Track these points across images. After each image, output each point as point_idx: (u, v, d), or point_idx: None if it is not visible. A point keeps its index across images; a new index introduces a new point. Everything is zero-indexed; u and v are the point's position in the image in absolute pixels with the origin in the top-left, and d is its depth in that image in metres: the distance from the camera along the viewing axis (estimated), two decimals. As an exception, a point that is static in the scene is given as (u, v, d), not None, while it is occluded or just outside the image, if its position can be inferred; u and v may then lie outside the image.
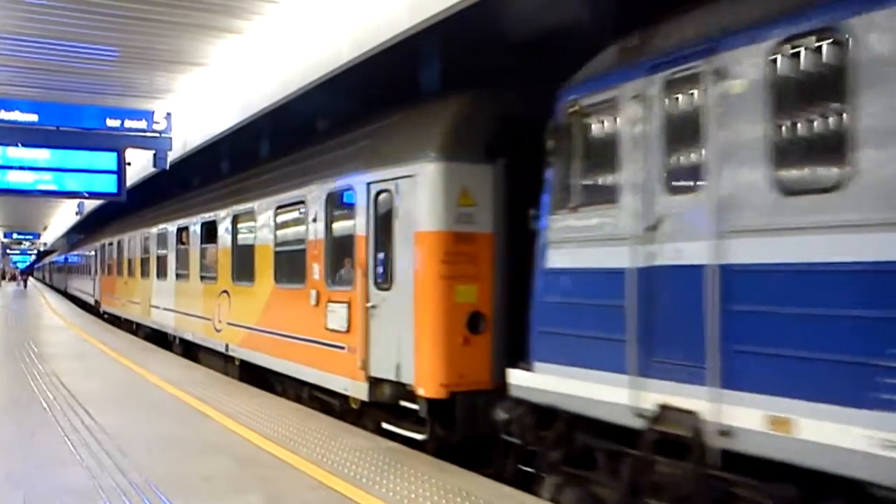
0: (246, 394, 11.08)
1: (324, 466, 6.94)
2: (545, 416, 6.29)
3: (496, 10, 7.45)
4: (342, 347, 8.99)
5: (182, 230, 16.56)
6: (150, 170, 15.47)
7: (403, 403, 8.04)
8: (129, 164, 14.40)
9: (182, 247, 16.64)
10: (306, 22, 9.85)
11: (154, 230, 19.15)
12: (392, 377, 8.09)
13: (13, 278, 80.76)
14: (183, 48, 11.71)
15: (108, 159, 14.11)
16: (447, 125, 7.87)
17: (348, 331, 8.85)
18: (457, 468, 7.04)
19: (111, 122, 14.07)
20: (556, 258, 6.16)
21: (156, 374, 12.85)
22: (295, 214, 10.82)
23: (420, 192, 7.75)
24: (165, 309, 17.93)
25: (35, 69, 13.07)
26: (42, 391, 11.08)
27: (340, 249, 9.41)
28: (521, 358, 6.55)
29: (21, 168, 13.80)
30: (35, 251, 79.99)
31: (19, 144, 13.66)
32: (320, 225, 9.74)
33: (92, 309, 31.46)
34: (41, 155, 13.85)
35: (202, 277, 14.97)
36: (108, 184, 14.18)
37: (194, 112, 14.84)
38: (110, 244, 26.29)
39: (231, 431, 8.45)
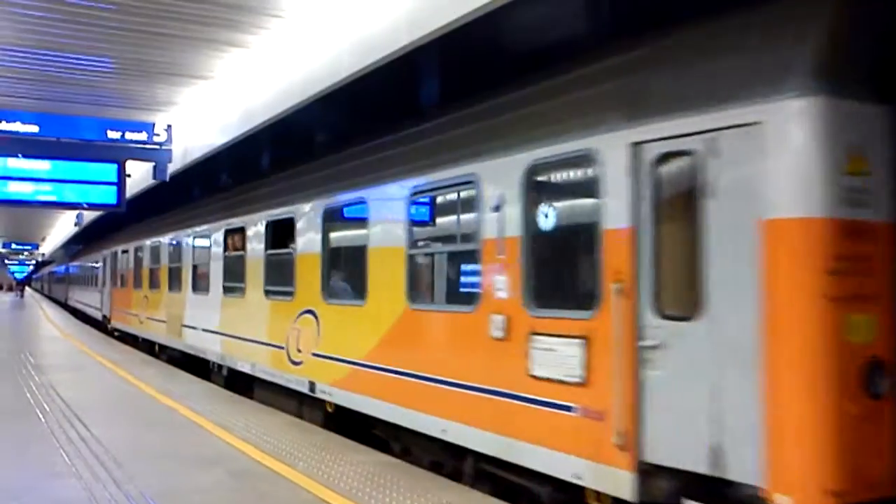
0: (244, 408, 11.04)
1: (320, 480, 6.89)
2: None
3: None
4: (568, 409, 5.93)
5: (233, 233, 13.41)
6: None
7: None
8: (129, 175, 14.45)
9: (233, 254, 13.36)
10: (311, 35, 9.89)
11: (187, 234, 16.15)
12: (702, 468, 4.99)
13: (10, 289, 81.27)
14: (186, 61, 11.74)
15: (108, 171, 14.16)
16: (824, 35, 4.70)
17: (586, 383, 5.79)
18: (456, 484, 6.95)
19: (112, 134, 14.14)
20: None
21: (153, 387, 12.79)
22: (450, 202, 7.95)
23: (773, 150, 4.74)
24: (206, 330, 14.57)
25: (36, 80, 13.09)
26: (38, 402, 11.04)
27: (559, 251, 6.65)
28: None
29: (21, 179, 13.84)
30: (33, 262, 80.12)
31: (19, 155, 13.71)
32: (512, 214, 6.62)
33: (95, 322, 30.02)
34: (41, 166, 13.90)
35: (268, 292, 11.70)
36: (107, 195, 14.22)
37: (199, 123, 14.85)
38: (124, 252, 23.03)
39: (228, 444, 8.41)
